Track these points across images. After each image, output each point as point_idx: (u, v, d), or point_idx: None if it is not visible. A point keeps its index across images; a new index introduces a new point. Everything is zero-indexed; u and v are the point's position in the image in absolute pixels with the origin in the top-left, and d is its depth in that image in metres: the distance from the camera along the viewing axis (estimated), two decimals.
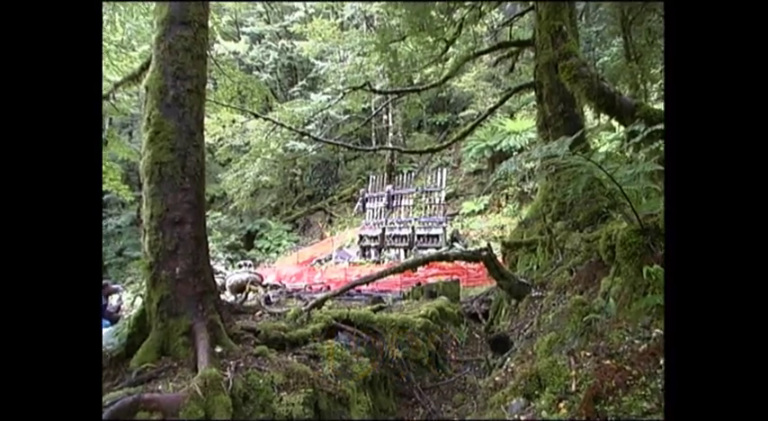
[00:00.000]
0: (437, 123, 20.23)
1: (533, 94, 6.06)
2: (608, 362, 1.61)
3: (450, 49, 7.58)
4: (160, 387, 2.28)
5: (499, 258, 4.47)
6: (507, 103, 10.09)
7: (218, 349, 2.69)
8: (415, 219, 12.71)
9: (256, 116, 7.04)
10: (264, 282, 7.36)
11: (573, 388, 1.60)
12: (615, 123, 5.20)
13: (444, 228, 12.02)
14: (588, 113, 5.90)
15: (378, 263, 11.83)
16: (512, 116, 15.06)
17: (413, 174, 14.93)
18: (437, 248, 11.22)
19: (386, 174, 17.60)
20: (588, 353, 1.75)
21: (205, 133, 3.28)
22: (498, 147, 13.80)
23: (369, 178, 15.43)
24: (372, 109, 17.28)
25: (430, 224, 12.23)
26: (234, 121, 13.04)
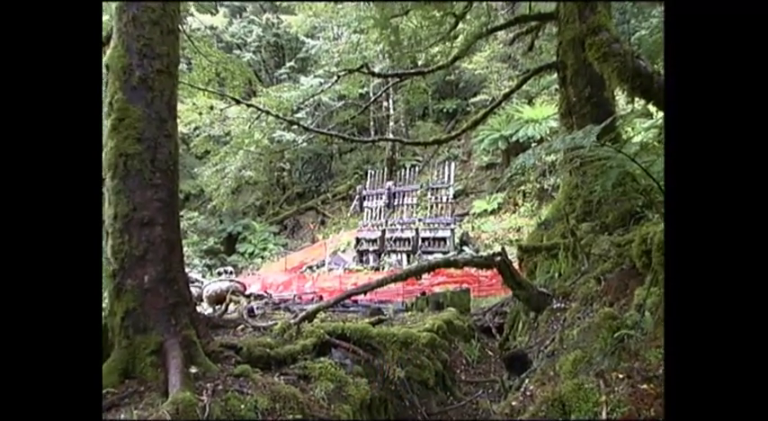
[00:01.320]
0: (444, 111, 20.26)
1: (555, 76, 6.04)
2: (645, 386, 1.59)
3: (460, 25, 7.55)
4: (123, 415, 2.25)
5: (515, 264, 4.46)
6: (525, 86, 10.06)
7: (193, 369, 2.67)
8: (420, 220, 12.71)
9: (238, 102, 7.01)
10: (247, 292, 7.32)
11: (603, 415, 1.59)
12: (652, 108, 5.17)
13: (452, 231, 12.01)
14: (620, 97, 5.87)
15: (377, 269, 11.83)
16: (530, 102, 15.05)
17: (416, 169, 14.92)
18: (444, 253, 11.21)
19: (386, 169, 17.59)
20: (621, 376, 1.73)
21: (178, 121, 3.25)
22: (514, 138, 13.79)
23: (367, 173, 15.40)
24: (371, 94, 17.25)
25: (436, 225, 12.23)
26: (212, 108, 13.02)
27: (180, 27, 3.19)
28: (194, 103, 12.50)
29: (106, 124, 2.91)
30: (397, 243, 12.55)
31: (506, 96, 7.60)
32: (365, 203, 14.05)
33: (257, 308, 5.06)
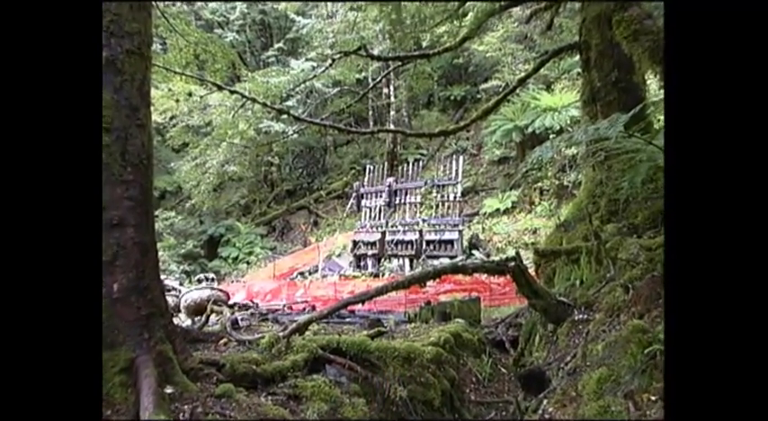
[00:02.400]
0: (452, 98, 20.26)
1: (577, 58, 6.03)
2: None
3: (470, 2, 7.53)
4: None
5: (531, 270, 4.46)
6: (543, 70, 10.05)
7: (169, 390, 2.65)
8: (424, 221, 12.70)
9: (220, 88, 6.99)
10: (231, 302, 7.32)
11: None
12: None
13: (461, 232, 12.02)
14: (652, 82, 5.81)
15: (376, 276, 11.85)
16: (548, 88, 15.04)
17: (420, 164, 14.92)
18: (451, 258, 11.22)
19: (386, 164, 17.59)
20: (653, 397, 1.72)
21: (152, 109, 3.24)
22: (530, 129, 13.79)
23: (365, 169, 15.41)
24: (369, 80, 17.26)
25: (442, 227, 12.24)
26: (190, 94, 13.02)
27: (153, 2, 3.18)
28: (170, 89, 12.50)
29: None
30: (399, 246, 12.54)
31: (522, 82, 7.58)
32: (363, 202, 14.05)
33: (242, 319, 5.06)
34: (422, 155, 18.80)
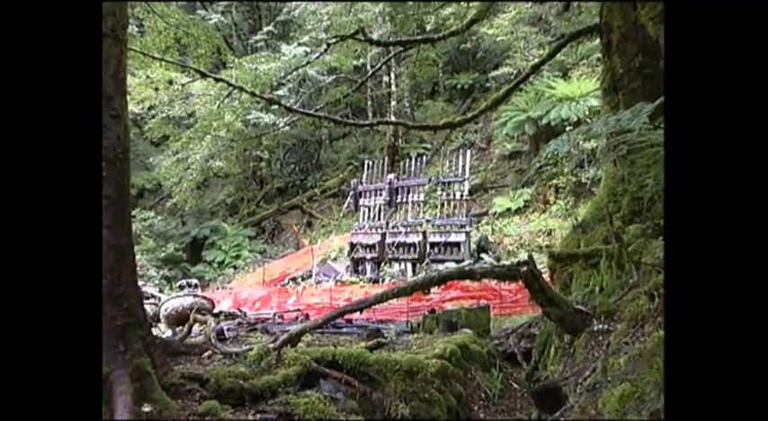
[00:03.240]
0: (458, 87, 20.28)
1: (597, 42, 6.02)
2: None
3: None
4: None
5: (546, 276, 4.46)
6: (559, 56, 10.05)
7: (147, 408, 2.65)
8: (428, 222, 12.71)
9: (203, 75, 6.98)
10: (216, 310, 7.34)
11: None
12: None
13: (468, 234, 12.03)
14: None
15: (376, 282, 11.82)
16: (565, 75, 15.04)
17: (425, 159, 14.94)
18: (458, 262, 11.21)
19: (387, 159, 17.59)
20: None
21: (129, 98, 3.24)
22: (545, 121, 13.80)
23: (363, 164, 15.40)
24: (368, 67, 17.25)
25: (448, 228, 12.24)
26: (171, 82, 13.00)
27: None
28: (148, 76, 12.48)
29: None
30: (401, 249, 12.54)
31: (535, 68, 7.58)
32: (361, 201, 14.06)
33: (228, 329, 5.07)
34: (425, 149, 18.82)
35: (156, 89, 13.43)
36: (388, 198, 13.47)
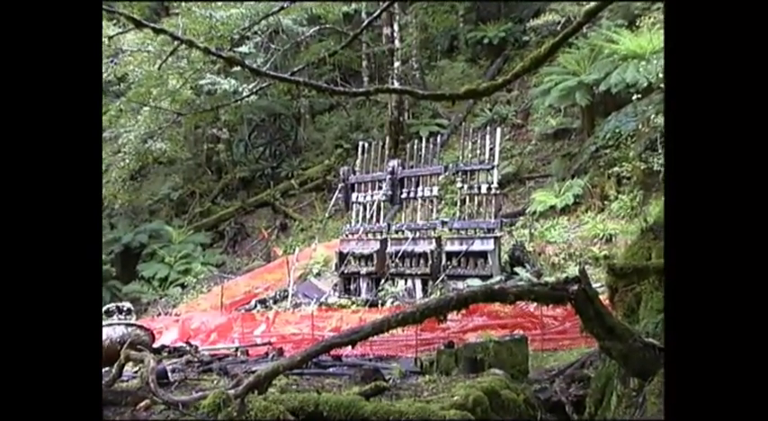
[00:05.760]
0: (485, 42, 20.28)
1: None
2: None
3: None
4: None
5: (604, 298, 4.46)
6: None
7: None
8: (443, 224, 12.73)
9: (139, 24, 6.90)
10: (157, 344, 7.35)
11: None
12: None
13: (498, 241, 12.02)
14: None
15: (374, 305, 11.81)
16: (631, 25, 15.00)
17: (439, 140, 14.90)
18: (484, 278, 11.21)
19: (388, 140, 17.60)
20: None
21: None
22: (603, 87, 13.75)
23: (357, 147, 15.39)
24: (363, 15, 17.23)
25: (471, 233, 12.22)
26: None
27: None
28: None
29: None
30: (407, 261, 12.54)
31: (591, 15, 7.49)
32: (354, 196, 14.06)
33: (173, 370, 5.15)
34: (440, 127, 18.80)
35: None
36: (389, 192, 13.46)
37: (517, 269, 11.91)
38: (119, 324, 7.27)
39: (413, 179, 13.44)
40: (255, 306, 13.43)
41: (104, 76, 14.67)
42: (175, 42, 7.51)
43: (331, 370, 5.89)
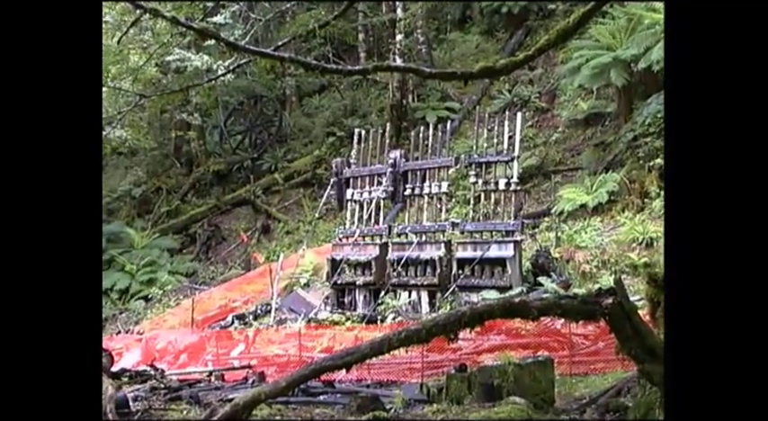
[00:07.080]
0: (503, 11, 20.30)
1: None
2: None
3: None
4: None
5: (644, 313, 4.52)
6: None
7: None
8: (454, 225, 12.78)
9: None
10: (116, 368, 7.40)
11: None
12: None
13: (518, 245, 12.09)
14: None
15: (372, 321, 11.93)
16: None
17: (449, 127, 14.93)
18: (502, 289, 11.24)
19: (389, 127, 17.60)
20: None
21: None
22: (643, 64, 13.79)
23: (352, 135, 15.39)
24: None
25: (487, 236, 12.24)
26: None
27: None
28: None
29: None
30: (412, 270, 12.63)
31: None
32: (349, 193, 14.09)
33: (136, 398, 5.23)
34: (450, 111, 18.84)
35: None
36: (390, 188, 13.49)
37: (541, 279, 11.97)
38: None
39: (418, 173, 13.47)
40: (233, 322, 13.50)
41: None
42: (137, 11, 7.48)
43: (322, 398, 5.99)
